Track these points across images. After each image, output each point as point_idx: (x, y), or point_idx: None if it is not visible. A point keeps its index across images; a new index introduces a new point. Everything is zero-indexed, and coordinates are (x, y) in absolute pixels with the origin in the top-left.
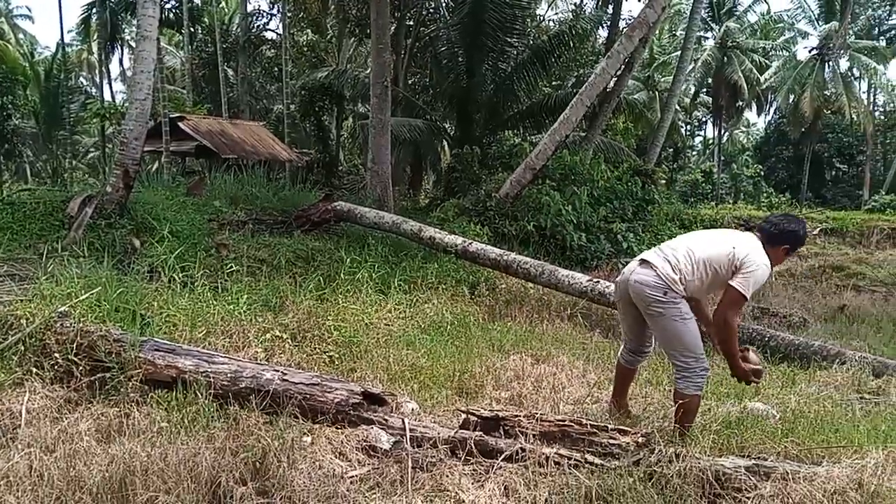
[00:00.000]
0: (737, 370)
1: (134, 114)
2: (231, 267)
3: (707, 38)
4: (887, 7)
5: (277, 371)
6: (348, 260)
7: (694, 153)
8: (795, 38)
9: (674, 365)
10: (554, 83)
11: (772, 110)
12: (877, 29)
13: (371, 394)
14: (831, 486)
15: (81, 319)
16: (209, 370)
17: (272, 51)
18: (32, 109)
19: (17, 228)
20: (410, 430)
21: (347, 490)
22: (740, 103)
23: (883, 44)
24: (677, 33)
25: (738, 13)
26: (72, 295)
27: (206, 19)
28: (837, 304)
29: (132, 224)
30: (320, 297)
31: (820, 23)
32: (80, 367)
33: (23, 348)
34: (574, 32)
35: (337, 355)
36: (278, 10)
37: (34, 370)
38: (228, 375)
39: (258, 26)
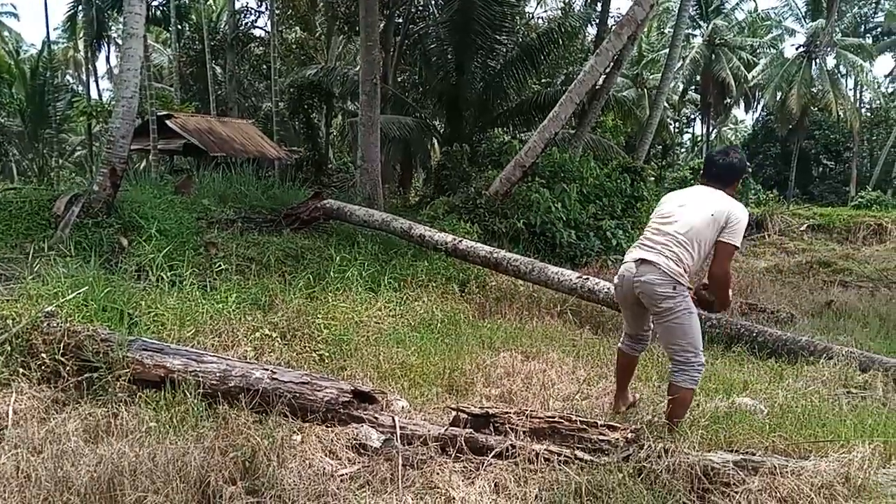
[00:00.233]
0: (726, 300)
1: (121, 112)
2: (220, 266)
3: (695, 35)
4: (873, 4)
5: (267, 370)
6: (338, 258)
7: (682, 150)
8: (783, 36)
9: (673, 360)
10: (543, 80)
11: (759, 107)
12: (863, 26)
13: (361, 392)
14: (818, 480)
15: (68, 319)
16: (198, 369)
17: (260, 48)
18: (18, 108)
19: (2, 228)
20: (400, 427)
21: (337, 488)
22: (728, 100)
23: (869, 41)
24: (665, 31)
25: (725, 11)
26: (59, 294)
27: (193, 16)
28: (824, 299)
29: (119, 223)
30: (310, 295)
31: (807, 20)
32: (68, 368)
33: (9, 349)
34: (563, 30)
35: (327, 354)
36: (266, 8)
37: (21, 371)
38: (217, 375)
39: (246, 24)
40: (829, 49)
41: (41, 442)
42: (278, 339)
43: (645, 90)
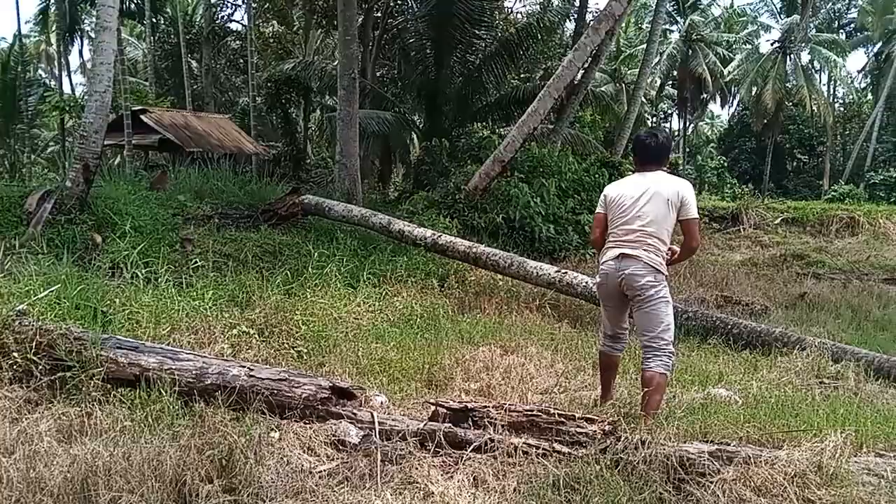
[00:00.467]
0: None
1: (94, 106)
2: (196, 262)
3: (672, 31)
4: (846, 1)
5: (244, 367)
6: (316, 254)
7: None
8: (758, 32)
9: (649, 347)
10: (522, 75)
11: (735, 102)
12: (836, 22)
13: (339, 388)
14: (792, 470)
15: (41, 318)
16: (174, 367)
17: (237, 42)
18: None
19: None
20: (379, 423)
21: (316, 485)
22: (705, 96)
23: (843, 37)
24: (643, 26)
25: (702, 6)
26: (30, 293)
27: (168, 10)
28: (798, 291)
29: (93, 219)
30: (288, 291)
31: (782, 16)
32: (40, 367)
33: None
34: (542, 25)
35: (305, 350)
36: (243, 1)
37: None
38: (194, 372)
39: (222, 17)
40: (803, 45)
41: (13, 443)
42: (256, 335)
43: (623, 85)
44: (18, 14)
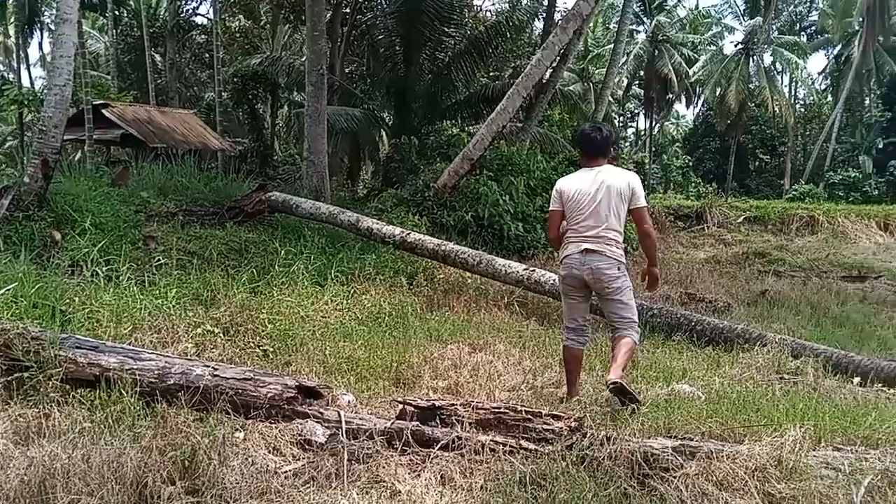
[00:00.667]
0: (654, 260)
1: (53, 100)
2: (159, 260)
3: (639, 31)
4: (808, 3)
5: (208, 366)
6: (283, 252)
7: (627, 144)
8: (722, 33)
9: (622, 323)
10: (491, 74)
11: (700, 103)
12: (798, 25)
13: (306, 387)
14: (753, 464)
15: None
16: (135, 367)
17: (202, 36)
18: None
19: None
20: (346, 422)
21: (281, 485)
22: (670, 96)
23: (804, 39)
24: (611, 26)
25: (668, 7)
26: None
27: (131, 2)
28: (759, 288)
29: (52, 216)
30: (254, 289)
31: (745, 18)
32: None
33: None
34: (510, 23)
35: (272, 349)
36: None
37: None
38: (156, 372)
39: (187, 10)
40: (765, 47)
41: None
42: (221, 334)
43: (591, 84)
44: None
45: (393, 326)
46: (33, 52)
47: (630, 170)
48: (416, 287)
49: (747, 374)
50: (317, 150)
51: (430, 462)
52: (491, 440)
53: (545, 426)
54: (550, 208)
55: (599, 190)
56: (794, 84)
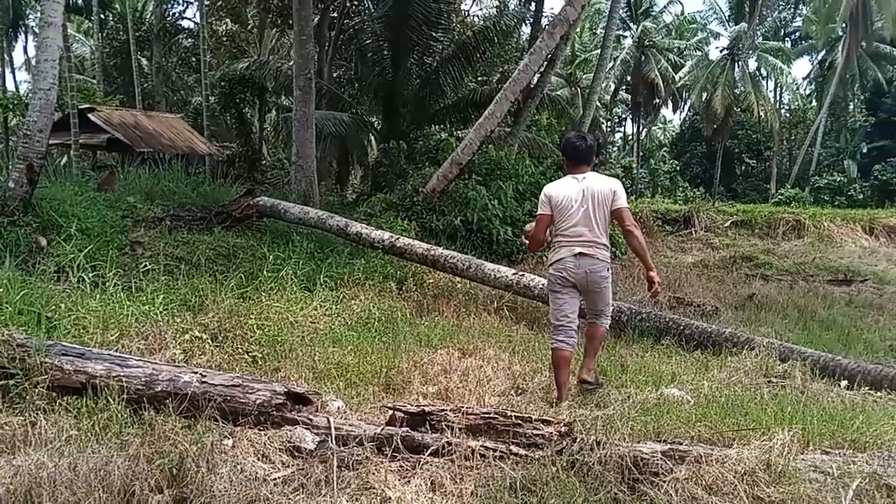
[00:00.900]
0: (650, 264)
1: (38, 104)
2: (146, 265)
3: (626, 37)
4: (792, 9)
5: (196, 373)
6: (272, 257)
7: (614, 149)
8: (708, 39)
9: (602, 315)
10: (479, 78)
11: (686, 108)
12: (782, 30)
13: (295, 393)
14: (742, 468)
15: None
16: (122, 374)
17: (189, 40)
18: None
19: None
20: (336, 428)
21: (270, 493)
22: (657, 101)
23: (788, 45)
24: (597, 31)
25: (654, 13)
26: None
27: (116, 5)
28: (747, 292)
29: (37, 221)
30: (242, 295)
31: (730, 24)
32: None
33: None
34: (498, 28)
35: (260, 355)
36: None
37: None
38: (143, 379)
39: (174, 14)
40: (750, 52)
41: None
42: (209, 340)
43: (578, 89)
44: None
45: (382, 332)
46: (18, 56)
47: (617, 175)
48: (406, 292)
49: (736, 377)
50: (305, 155)
51: (420, 468)
52: (481, 446)
53: (535, 431)
54: (540, 212)
55: (586, 197)
56: (779, 89)
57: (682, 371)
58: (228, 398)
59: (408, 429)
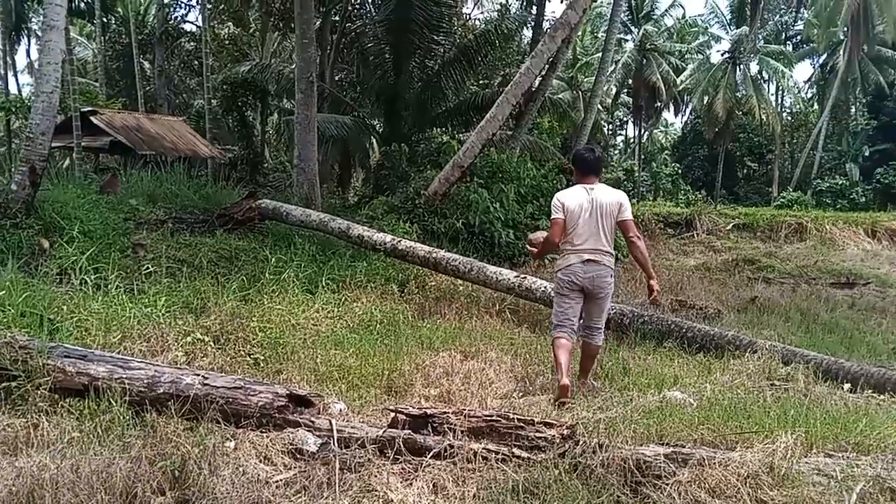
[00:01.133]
0: (650, 272)
1: (40, 107)
2: (148, 268)
3: (627, 40)
4: (793, 13)
5: (198, 375)
6: (274, 259)
7: (616, 152)
8: (709, 42)
9: (594, 328)
10: (481, 82)
11: (688, 111)
12: (784, 34)
13: (297, 396)
14: (745, 471)
15: None
16: (124, 376)
17: (191, 43)
18: None
19: None
20: (338, 430)
21: (273, 495)
22: (658, 104)
23: (790, 48)
24: (599, 35)
25: (655, 17)
26: None
27: (119, 9)
28: (749, 295)
29: (40, 224)
30: (244, 297)
31: (731, 27)
32: None
33: None
34: (500, 32)
35: (262, 357)
36: (197, 2)
37: None
38: (145, 381)
39: (176, 18)
40: (752, 55)
41: None
42: (211, 343)
43: (580, 93)
44: None
45: (384, 334)
46: (21, 59)
47: (619, 178)
48: (408, 294)
49: (738, 380)
50: (307, 158)
51: (423, 470)
52: (483, 448)
53: (537, 434)
54: (554, 216)
55: (594, 207)
56: (780, 92)
57: (684, 374)
58: (230, 400)
59: (410, 431)
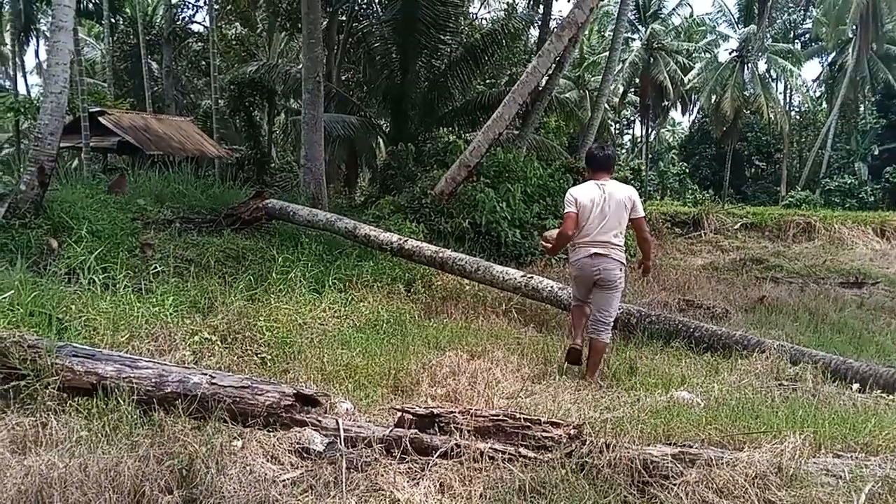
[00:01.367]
0: (649, 257)
1: (49, 108)
2: (156, 267)
3: (634, 39)
4: (802, 12)
5: (205, 374)
6: (281, 259)
7: (623, 151)
8: (717, 41)
9: (601, 322)
10: (487, 81)
11: (695, 110)
12: (792, 32)
13: (304, 395)
14: (753, 471)
15: None
16: (132, 375)
17: (199, 44)
18: None
19: None
20: (345, 430)
21: (280, 494)
22: (666, 103)
23: (798, 47)
24: (606, 34)
25: (663, 16)
26: None
27: (127, 10)
28: (757, 295)
29: (49, 224)
30: (251, 297)
31: (739, 26)
32: None
33: None
34: (506, 31)
35: (269, 356)
36: (205, 3)
37: None
38: (153, 380)
39: (184, 18)
40: (760, 54)
41: None
42: (218, 342)
43: (587, 92)
44: None
45: (391, 334)
46: (29, 60)
47: (626, 177)
48: (414, 294)
49: (746, 380)
50: (314, 158)
51: (429, 470)
52: (490, 448)
53: (544, 433)
54: (568, 210)
55: (606, 202)
56: (788, 91)
57: (691, 374)
58: (238, 399)
59: (416, 431)
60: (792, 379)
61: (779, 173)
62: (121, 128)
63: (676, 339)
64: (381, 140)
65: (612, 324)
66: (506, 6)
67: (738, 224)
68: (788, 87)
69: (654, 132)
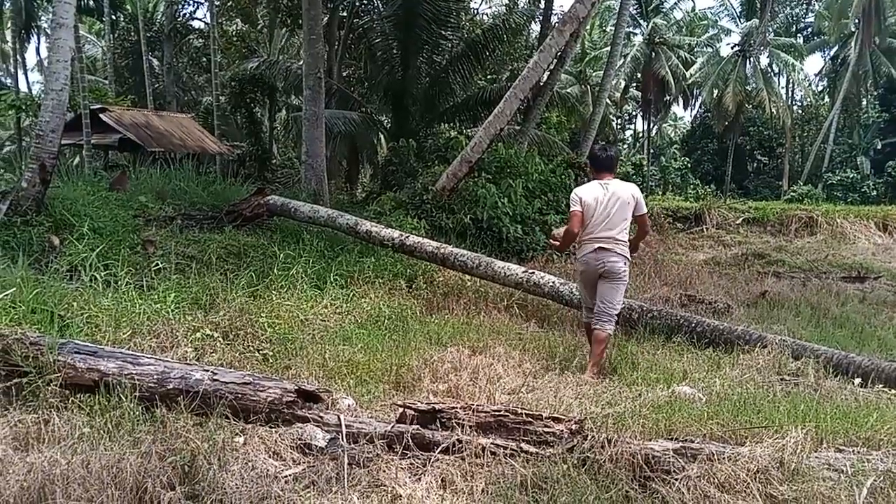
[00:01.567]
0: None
1: (50, 105)
2: (158, 264)
3: (636, 34)
4: (804, 5)
5: (207, 371)
6: (282, 255)
7: (625, 146)
8: (719, 35)
9: (605, 313)
10: (489, 77)
11: (697, 105)
12: (794, 26)
13: (305, 391)
14: (754, 466)
15: None
16: (134, 372)
17: (200, 40)
18: None
19: None
20: (346, 426)
21: (282, 490)
22: (668, 98)
23: (800, 41)
24: (607, 29)
25: (664, 10)
26: None
27: (128, 6)
28: (759, 290)
29: (50, 221)
30: (253, 293)
31: (741, 20)
32: None
33: None
34: (507, 26)
35: (271, 353)
36: None
37: None
38: (155, 377)
39: (184, 15)
40: (762, 48)
41: None
42: (220, 339)
43: (588, 87)
44: None
45: (392, 329)
46: (30, 57)
47: (627, 172)
48: (416, 290)
49: (748, 375)
50: (315, 154)
51: (431, 466)
52: (491, 443)
53: (546, 429)
54: (573, 209)
55: (610, 201)
56: (790, 85)
57: (693, 369)
58: (240, 396)
59: (418, 426)
60: (794, 374)
61: (781, 168)
62: (122, 125)
63: (678, 335)
64: (382, 136)
65: (615, 316)
66: (507, 1)
67: (740, 219)
68: (791, 81)
69: (655, 127)
